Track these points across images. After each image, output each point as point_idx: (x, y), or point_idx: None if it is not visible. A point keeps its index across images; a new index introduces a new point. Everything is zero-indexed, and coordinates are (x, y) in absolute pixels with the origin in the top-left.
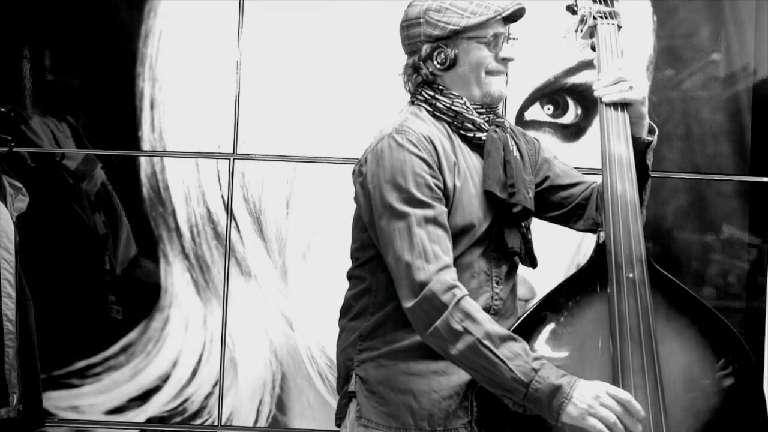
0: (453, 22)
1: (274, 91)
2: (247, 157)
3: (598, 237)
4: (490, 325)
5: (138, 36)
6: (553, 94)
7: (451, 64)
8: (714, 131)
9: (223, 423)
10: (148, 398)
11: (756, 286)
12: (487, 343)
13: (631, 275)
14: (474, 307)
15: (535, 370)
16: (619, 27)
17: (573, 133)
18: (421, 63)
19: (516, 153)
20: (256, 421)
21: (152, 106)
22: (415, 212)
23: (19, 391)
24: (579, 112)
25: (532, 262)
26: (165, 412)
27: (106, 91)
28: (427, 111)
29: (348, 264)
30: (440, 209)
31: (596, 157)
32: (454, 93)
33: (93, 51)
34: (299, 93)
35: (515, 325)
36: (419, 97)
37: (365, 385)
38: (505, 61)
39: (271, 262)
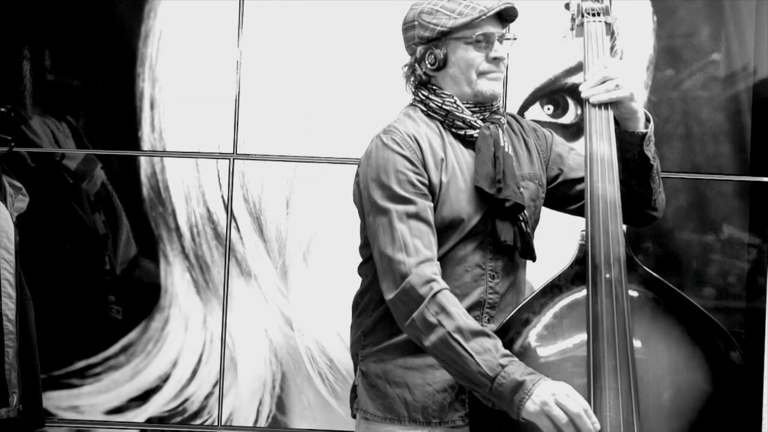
0: (441, 23)
1: (274, 91)
2: (247, 157)
3: (582, 237)
4: (463, 319)
5: (138, 36)
6: (553, 94)
7: (441, 65)
8: (714, 131)
9: (223, 423)
10: (148, 398)
11: (756, 286)
12: (457, 336)
13: (608, 275)
14: (450, 301)
15: (502, 366)
16: (608, 24)
17: (573, 133)
18: (416, 64)
19: (508, 149)
20: (256, 421)
21: (152, 106)
22: (397, 208)
23: (19, 391)
24: (579, 112)
25: (530, 255)
26: (165, 412)
27: (106, 91)
28: (422, 111)
29: (347, 263)
30: (423, 205)
31: None
32: (446, 92)
33: (93, 51)
34: (299, 93)
35: (500, 325)
36: (416, 97)
37: (366, 378)
38: (495, 60)
39: (271, 262)
